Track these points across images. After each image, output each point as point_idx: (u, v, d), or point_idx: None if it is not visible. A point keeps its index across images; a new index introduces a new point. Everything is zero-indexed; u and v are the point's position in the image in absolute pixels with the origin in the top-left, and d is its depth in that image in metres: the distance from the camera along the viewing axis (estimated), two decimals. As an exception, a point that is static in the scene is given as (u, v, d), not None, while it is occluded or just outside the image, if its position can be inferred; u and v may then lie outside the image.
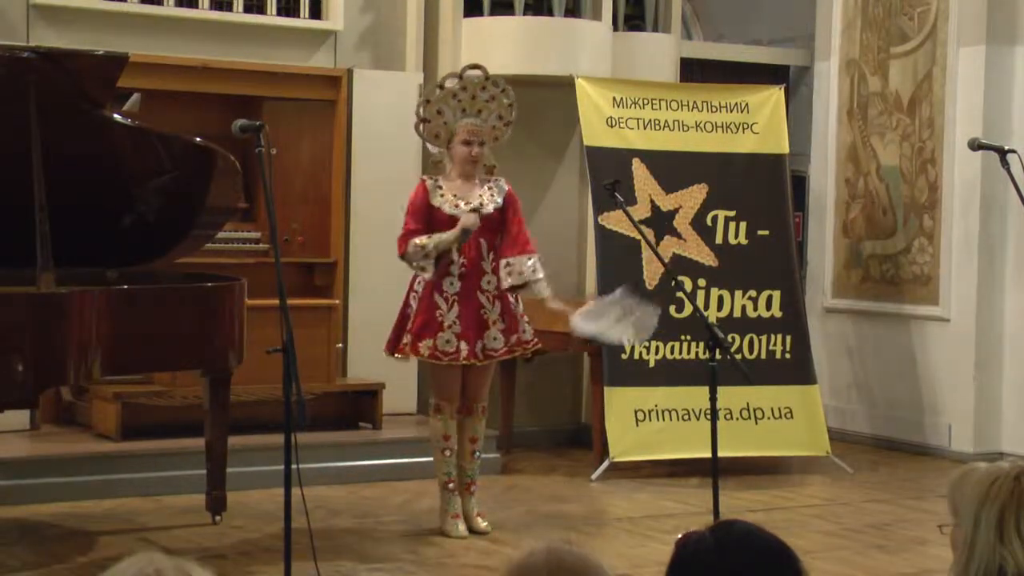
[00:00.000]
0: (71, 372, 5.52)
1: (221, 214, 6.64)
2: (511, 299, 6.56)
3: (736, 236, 8.47)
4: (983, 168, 8.49)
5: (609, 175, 6.93)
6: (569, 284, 9.04)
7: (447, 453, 6.57)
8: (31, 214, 5.60)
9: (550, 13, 8.72)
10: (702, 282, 8.35)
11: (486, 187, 6.56)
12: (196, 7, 8.15)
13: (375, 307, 7.85)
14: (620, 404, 8.05)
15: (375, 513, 6.98)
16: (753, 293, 8.45)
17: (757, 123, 8.65)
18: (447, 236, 6.40)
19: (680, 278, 7.09)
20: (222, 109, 7.83)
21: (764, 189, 8.60)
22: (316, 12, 8.47)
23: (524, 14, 8.66)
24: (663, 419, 8.10)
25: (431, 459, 6.72)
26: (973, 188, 8.72)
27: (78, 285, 5.83)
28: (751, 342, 8.38)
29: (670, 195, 8.37)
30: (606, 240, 8.20)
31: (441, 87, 6.69)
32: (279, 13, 8.37)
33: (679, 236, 8.34)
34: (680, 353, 8.21)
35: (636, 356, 8.12)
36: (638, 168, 8.34)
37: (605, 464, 7.96)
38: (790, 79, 10.23)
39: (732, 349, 5.94)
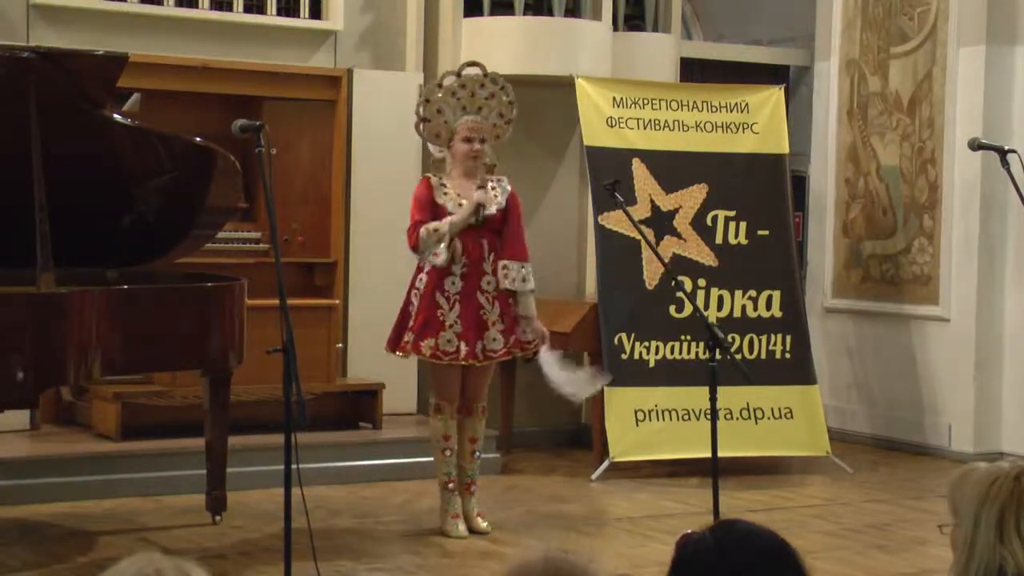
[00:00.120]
0: (71, 372, 5.52)
1: (221, 214, 6.64)
2: (509, 300, 6.56)
3: (736, 236, 8.47)
4: (983, 168, 8.49)
5: (609, 175, 6.94)
6: (569, 284, 9.04)
7: (447, 453, 6.57)
8: (31, 214, 5.60)
9: (550, 13, 8.72)
10: (702, 282, 8.35)
11: (490, 184, 6.55)
12: (196, 7, 8.15)
13: (375, 307, 7.85)
14: (620, 404, 8.05)
15: (375, 513, 6.98)
16: (753, 293, 8.45)
17: (757, 123, 8.65)
18: (460, 215, 6.40)
19: (680, 278, 7.10)
20: (222, 109, 7.83)
21: (764, 189, 8.60)
22: (316, 12, 8.47)
23: (524, 14, 8.66)
24: (663, 419, 8.10)
25: (431, 459, 6.72)
26: (973, 188, 8.72)
27: (78, 285, 5.83)
28: (751, 342, 8.38)
29: (670, 195, 8.37)
30: (606, 240, 8.20)
31: (440, 86, 6.69)
32: (279, 13, 8.37)
33: (679, 236, 8.34)
34: (680, 353, 8.21)
35: (636, 356, 8.12)
36: (638, 168, 8.34)
37: (605, 464, 7.96)
38: (790, 79, 10.23)
39: (732, 349, 5.95)
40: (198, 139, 6.29)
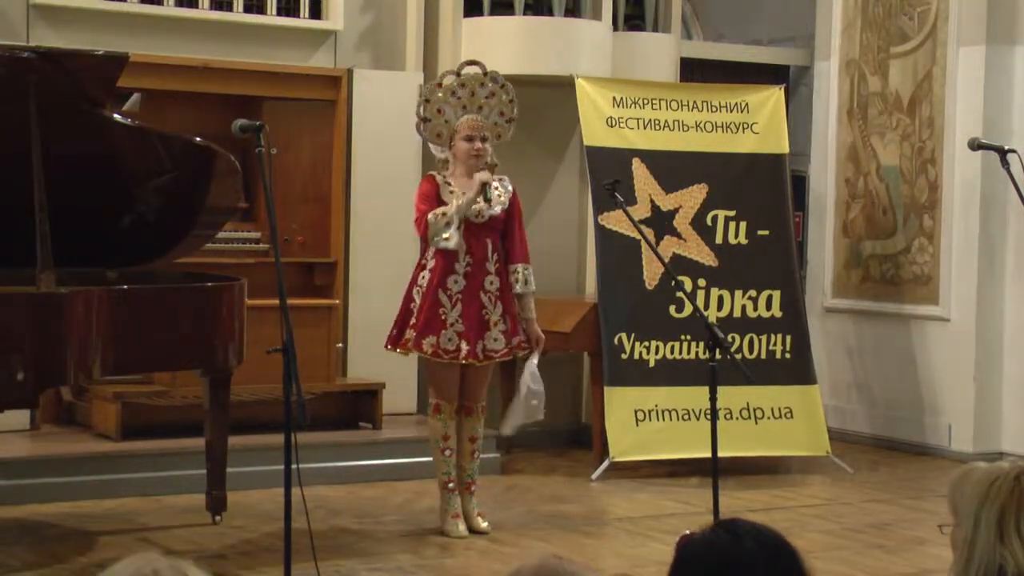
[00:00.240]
0: (71, 372, 5.52)
1: (221, 214, 6.64)
2: (512, 301, 6.56)
3: (736, 236, 8.47)
4: (983, 168, 8.49)
5: (609, 175, 6.94)
6: (569, 284, 9.04)
7: (447, 453, 6.57)
8: (31, 214, 5.60)
9: (550, 13, 8.72)
10: (702, 282, 8.35)
11: (496, 181, 6.53)
12: (196, 7, 8.15)
13: (375, 307, 7.85)
14: (620, 404, 8.05)
15: (375, 513, 6.98)
16: (753, 293, 8.45)
17: (757, 123, 8.65)
18: (466, 197, 6.39)
19: (680, 278, 7.09)
20: (222, 109, 7.83)
21: (764, 189, 8.60)
22: (316, 12, 8.46)
23: (524, 14, 8.66)
24: (663, 419, 8.10)
25: (431, 459, 6.72)
26: (973, 188, 8.72)
27: (78, 285, 5.83)
28: (751, 342, 8.38)
29: (670, 195, 8.37)
30: (606, 240, 8.20)
31: (440, 85, 6.68)
32: (279, 13, 8.36)
33: (679, 236, 8.34)
34: (680, 353, 8.21)
35: (636, 356, 8.12)
36: (638, 168, 8.34)
37: (605, 464, 7.96)
38: (790, 79, 10.23)
39: (732, 349, 5.95)
40: (198, 139, 6.29)
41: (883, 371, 9.26)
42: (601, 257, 8.24)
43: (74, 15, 7.76)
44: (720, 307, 8.34)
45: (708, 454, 5.55)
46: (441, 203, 6.46)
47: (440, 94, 6.64)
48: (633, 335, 8.13)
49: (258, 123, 5.17)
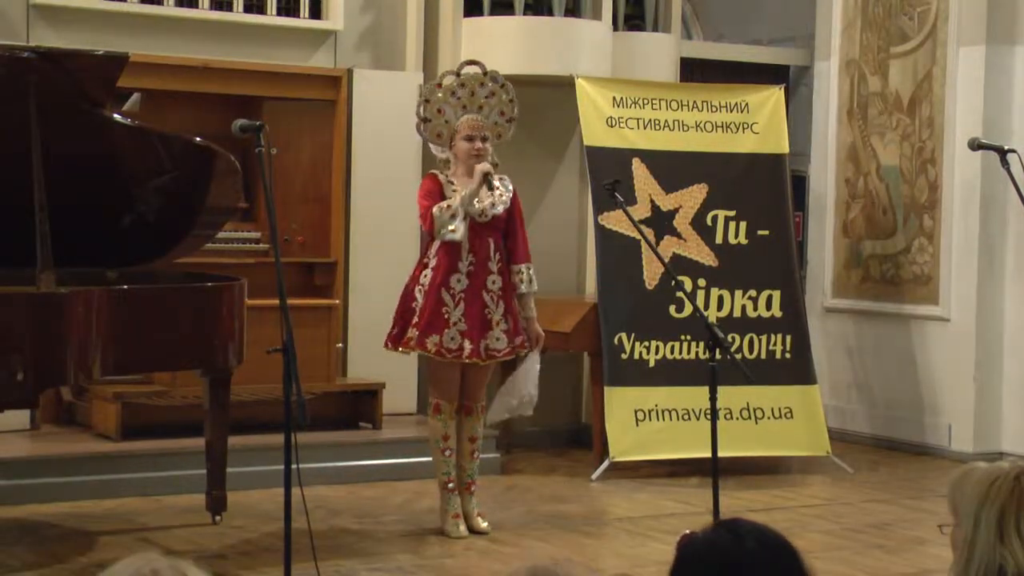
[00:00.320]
0: (71, 372, 5.52)
1: (221, 214, 6.64)
2: (513, 300, 6.57)
3: (736, 236, 8.47)
4: (983, 168, 8.49)
5: (609, 175, 6.94)
6: (569, 284, 9.04)
7: (447, 453, 6.57)
8: (31, 214, 5.60)
9: (550, 13, 8.72)
10: (702, 282, 8.34)
11: (497, 180, 6.53)
12: (196, 7, 8.15)
13: (375, 307, 7.84)
14: (620, 404, 8.04)
15: (375, 513, 6.98)
16: (753, 293, 8.45)
17: (757, 123, 8.65)
18: (469, 189, 6.40)
19: (680, 278, 7.10)
20: (222, 109, 7.83)
21: (764, 189, 8.60)
22: (316, 12, 8.46)
23: (524, 14, 8.65)
24: (663, 419, 8.10)
25: (431, 459, 6.71)
26: (973, 188, 8.72)
27: (78, 285, 5.83)
28: (751, 342, 8.38)
29: (670, 195, 8.37)
30: (606, 240, 8.20)
31: (439, 85, 6.68)
32: (279, 13, 8.36)
33: (679, 236, 8.34)
34: (680, 353, 8.21)
35: (636, 356, 8.13)
36: (638, 168, 8.34)
37: (605, 464, 7.96)
38: (790, 79, 10.23)
39: (732, 349, 5.95)
40: (198, 139, 6.29)
41: (883, 371, 9.26)
42: (601, 257, 8.24)
43: (74, 15, 7.76)
44: (720, 307, 8.34)
45: (708, 454, 5.55)
46: (444, 199, 6.46)
47: (440, 94, 6.63)
48: (633, 335, 8.13)
49: (258, 123, 5.17)
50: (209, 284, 6.27)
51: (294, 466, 4.74)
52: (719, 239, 8.42)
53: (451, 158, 6.60)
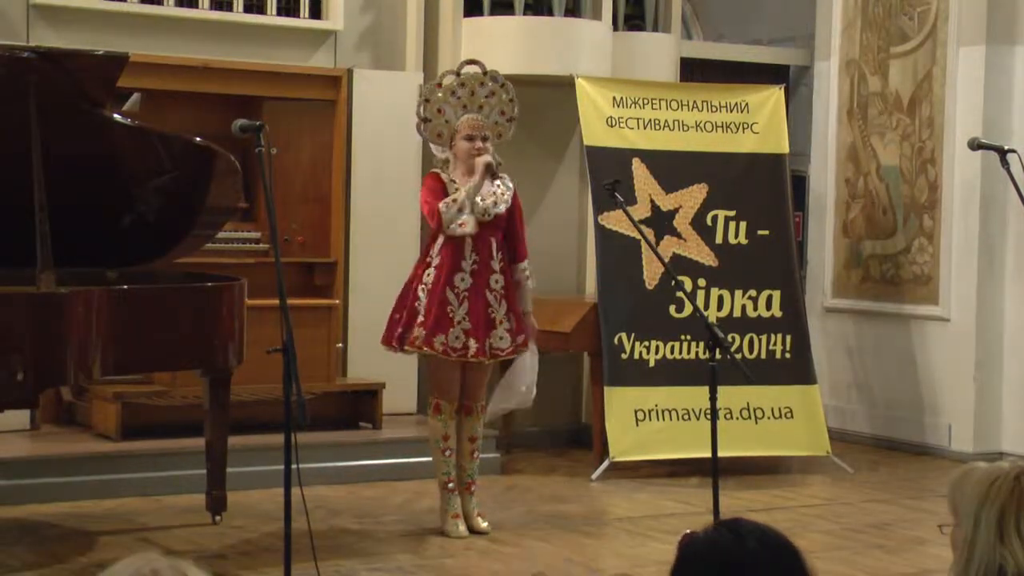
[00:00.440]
0: (71, 372, 5.52)
1: (221, 214, 6.64)
2: (515, 299, 6.58)
3: (736, 236, 8.47)
4: (983, 168, 8.49)
5: (609, 175, 6.94)
6: (569, 284, 9.04)
7: (447, 453, 6.56)
8: (31, 214, 5.60)
9: (550, 13, 8.72)
10: (702, 282, 8.35)
11: (496, 181, 6.54)
12: (196, 7, 8.15)
13: (375, 307, 7.82)
14: (620, 404, 8.04)
15: (375, 513, 6.98)
16: (753, 293, 8.45)
17: (757, 123, 8.65)
18: (473, 181, 6.40)
19: (680, 278, 7.10)
20: (222, 109, 7.83)
21: (764, 189, 8.60)
22: (316, 12, 8.46)
23: (524, 14, 8.65)
24: (663, 419, 8.10)
25: (431, 459, 6.71)
26: (973, 188, 8.72)
27: (78, 285, 5.83)
28: (751, 342, 8.38)
29: (670, 195, 8.37)
30: (606, 240, 8.20)
31: (439, 85, 6.68)
32: (279, 13, 8.36)
33: (679, 236, 8.34)
34: (680, 353, 8.21)
35: (636, 356, 8.13)
36: (638, 168, 8.34)
37: (605, 464, 7.96)
38: (790, 79, 10.23)
39: (732, 349, 5.95)
40: (198, 139, 6.28)
41: (883, 371, 9.26)
42: (601, 257, 8.24)
43: (74, 15, 7.76)
44: (720, 307, 8.34)
45: (708, 454, 5.55)
46: (447, 196, 6.47)
47: (440, 94, 6.63)
48: (633, 335, 8.13)
49: (258, 123, 5.17)
50: (209, 284, 6.27)
51: (294, 466, 4.74)
52: (719, 239, 8.42)
53: (451, 158, 6.60)
